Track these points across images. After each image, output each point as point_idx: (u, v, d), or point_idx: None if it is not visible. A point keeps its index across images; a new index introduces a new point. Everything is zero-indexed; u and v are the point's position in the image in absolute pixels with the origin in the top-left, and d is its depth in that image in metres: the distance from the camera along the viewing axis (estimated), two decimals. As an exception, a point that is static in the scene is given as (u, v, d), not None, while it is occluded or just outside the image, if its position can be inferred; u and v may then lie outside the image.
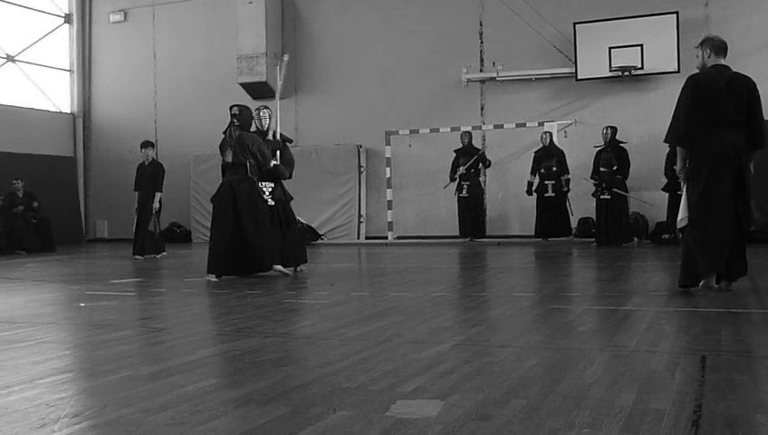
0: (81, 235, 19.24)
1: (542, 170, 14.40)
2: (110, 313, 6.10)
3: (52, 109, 19.35)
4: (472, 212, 15.08)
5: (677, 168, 6.41)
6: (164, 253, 12.90)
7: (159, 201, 12.77)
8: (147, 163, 13.00)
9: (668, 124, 6.34)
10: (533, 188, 14.51)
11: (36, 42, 18.85)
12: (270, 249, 8.48)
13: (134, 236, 12.88)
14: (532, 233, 14.78)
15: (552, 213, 14.27)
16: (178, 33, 18.84)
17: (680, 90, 6.24)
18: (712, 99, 6.08)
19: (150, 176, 12.80)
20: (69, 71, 19.78)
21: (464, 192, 15.00)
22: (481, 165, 15.18)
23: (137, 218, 12.82)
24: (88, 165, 19.75)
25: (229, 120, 8.73)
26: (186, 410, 2.93)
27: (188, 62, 18.63)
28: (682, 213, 6.28)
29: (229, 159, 8.58)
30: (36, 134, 18.43)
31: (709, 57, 6.28)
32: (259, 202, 8.61)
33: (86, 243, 18.86)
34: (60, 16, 19.59)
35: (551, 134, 14.56)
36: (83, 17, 19.80)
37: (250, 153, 8.59)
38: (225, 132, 8.79)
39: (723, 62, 6.27)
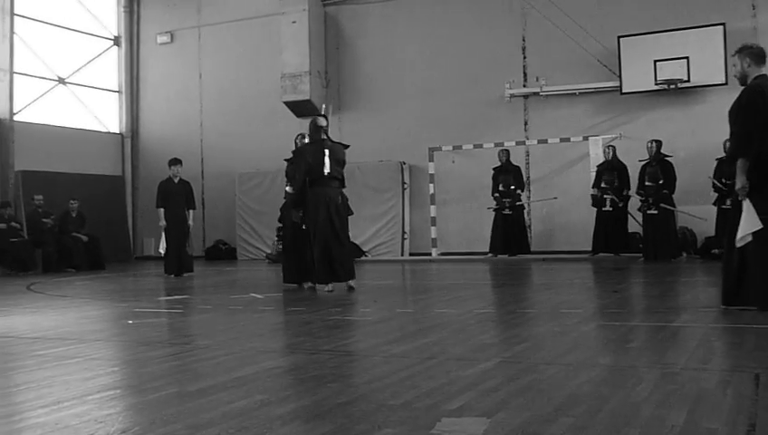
0: (129, 252, 19.54)
1: (603, 184, 14.17)
2: (158, 329, 6.18)
3: (102, 129, 19.74)
4: (514, 229, 15.00)
5: (739, 184, 5.90)
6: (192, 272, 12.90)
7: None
8: (176, 181, 12.77)
9: (728, 137, 6.11)
10: (596, 201, 14.26)
11: (86, 64, 19.27)
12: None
13: (166, 255, 12.62)
14: (579, 248, 14.62)
15: (609, 228, 14.01)
16: (223, 53, 19.12)
17: (738, 102, 6.02)
18: None
19: (183, 194, 12.76)
20: (117, 92, 20.18)
21: (506, 209, 14.95)
22: (514, 186, 15.06)
23: (169, 236, 12.51)
24: (136, 183, 20.08)
25: (310, 133, 8.96)
26: (232, 426, 2.95)
27: (233, 81, 18.88)
28: (744, 230, 5.81)
29: (327, 170, 8.70)
30: (87, 154, 18.81)
31: (749, 66, 6.10)
32: (346, 214, 8.98)
33: (134, 260, 19.15)
34: (109, 39, 20.02)
35: (614, 148, 14.30)
36: (131, 39, 20.22)
37: (343, 165, 8.80)
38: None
39: (763, 71, 6.09)
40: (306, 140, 9.40)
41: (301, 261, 9.25)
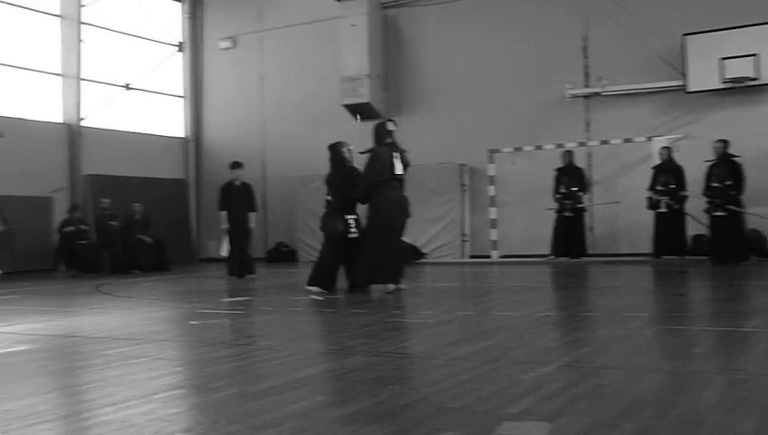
0: (193, 254, 19.90)
1: (659, 187, 13.93)
2: (220, 330, 6.27)
3: (166, 133, 20.15)
4: (574, 230, 14.82)
5: None
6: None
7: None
8: (238, 184, 12.81)
9: None
10: (652, 203, 14.03)
11: (151, 70, 19.69)
12: None
13: (228, 257, 12.65)
14: (642, 251, 14.36)
15: (667, 230, 13.78)
16: (284, 57, 19.33)
17: None
18: None
19: (245, 197, 12.87)
20: (181, 96, 20.57)
21: (567, 211, 14.78)
22: (576, 188, 14.87)
23: (231, 239, 12.55)
24: (199, 187, 20.44)
25: (377, 134, 9.09)
26: (293, 427, 2.97)
27: (294, 85, 19.07)
28: None
29: (399, 171, 8.92)
30: (151, 158, 19.23)
31: None
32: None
33: (197, 262, 19.48)
34: (174, 45, 20.43)
35: (669, 150, 14.07)
36: (195, 45, 20.59)
37: (407, 168, 9.05)
38: (369, 148, 9.13)
39: None
40: (349, 148, 9.62)
41: (336, 267, 9.30)
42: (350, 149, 9.66)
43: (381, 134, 9.10)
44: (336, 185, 9.48)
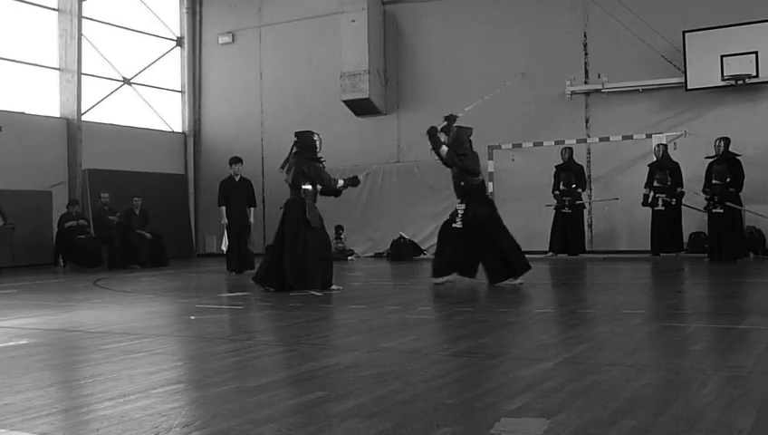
0: (191, 250, 19.90)
1: (655, 184, 13.95)
2: (219, 326, 6.28)
3: (165, 128, 20.13)
4: (573, 227, 14.84)
5: None
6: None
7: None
8: (237, 179, 12.87)
9: None
10: (648, 201, 14.07)
11: (150, 65, 19.67)
12: None
13: (228, 252, 12.71)
14: (641, 248, 14.37)
15: (663, 227, 13.82)
16: (284, 52, 19.31)
17: None
18: None
19: (245, 192, 12.87)
20: (180, 92, 20.54)
21: (566, 208, 14.79)
22: (575, 184, 14.90)
23: (232, 234, 12.59)
24: (198, 182, 20.42)
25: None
26: (291, 422, 2.98)
27: (293, 80, 19.05)
28: None
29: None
30: (150, 153, 19.21)
31: None
32: None
33: (196, 258, 19.48)
34: (172, 40, 20.40)
35: (665, 147, 14.09)
36: (194, 40, 20.56)
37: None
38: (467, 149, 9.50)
39: None
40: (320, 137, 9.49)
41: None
42: (320, 139, 9.48)
43: (463, 139, 9.62)
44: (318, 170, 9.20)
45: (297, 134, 9.47)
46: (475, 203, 9.16)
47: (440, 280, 9.20)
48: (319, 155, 9.36)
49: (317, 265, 8.79)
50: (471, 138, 9.77)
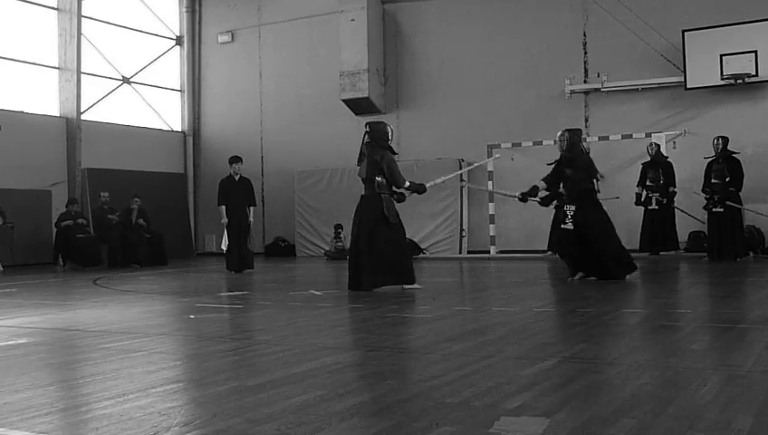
0: (191, 249, 19.90)
1: (648, 182, 13.98)
2: (219, 325, 6.28)
3: (165, 127, 20.13)
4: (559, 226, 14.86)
5: None
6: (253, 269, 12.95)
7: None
8: (237, 178, 12.83)
9: None
10: (641, 199, 14.10)
11: (150, 64, 19.66)
12: None
13: (228, 252, 12.67)
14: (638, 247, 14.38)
15: (657, 226, 13.83)
16: (283, 51, 19.30)
17: None
18: None
19: (244, 191, 12.85)
20: (180, 91, 20.54)
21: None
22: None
23: (231, 233, 12.54)
24: (197, 181, 20.42)
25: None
26: (291, 421, 2.97)
27: (293, 79, 19.05)
28: None
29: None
30: (150, 152, 19.21)
31: None
32: None
33: (196, 257, 19.47)
34: (171, 39, 20.39)
35: (658, 146, 14.13)
36: (193, 39, 20.55)
37: None
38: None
39: None
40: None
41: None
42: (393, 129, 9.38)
43: (576, 142, 9.73)
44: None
45: (368, 124, 9.02)
46: (584, 207, 9.27)
47: (575, 278, 9.29)
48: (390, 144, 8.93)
49: (401, 261, 8.53)
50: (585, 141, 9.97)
